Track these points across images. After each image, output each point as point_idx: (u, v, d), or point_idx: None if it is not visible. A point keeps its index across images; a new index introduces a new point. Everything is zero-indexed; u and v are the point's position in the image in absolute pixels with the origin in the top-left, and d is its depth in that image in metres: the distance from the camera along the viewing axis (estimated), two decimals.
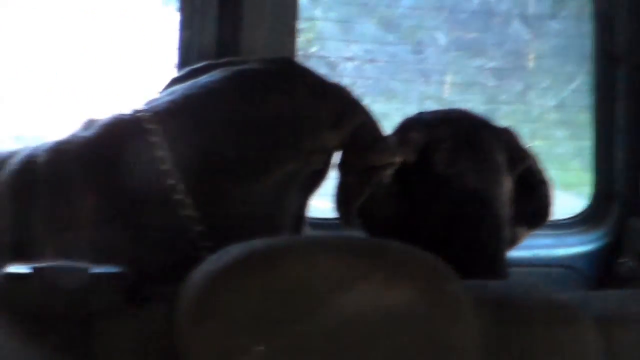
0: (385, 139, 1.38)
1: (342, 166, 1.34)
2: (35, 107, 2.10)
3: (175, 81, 1.41)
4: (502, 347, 0.85)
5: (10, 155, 1.24)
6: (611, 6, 2.02)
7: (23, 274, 0.89)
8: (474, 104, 2.34)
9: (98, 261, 0.96)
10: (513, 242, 1.48)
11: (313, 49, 2.31)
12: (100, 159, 1.18)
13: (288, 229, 1.27)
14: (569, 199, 2.08)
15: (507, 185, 1.43)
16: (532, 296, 0.96)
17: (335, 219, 1.38)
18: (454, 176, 1.40)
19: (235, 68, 1.33)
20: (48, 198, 1.14)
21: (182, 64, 2.04)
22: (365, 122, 1.35)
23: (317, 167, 1.32)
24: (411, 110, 2.51)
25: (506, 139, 1.47)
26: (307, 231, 1.30)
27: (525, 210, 1.47)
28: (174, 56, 2.02)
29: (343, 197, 1.34)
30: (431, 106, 2.47)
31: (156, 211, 1.15)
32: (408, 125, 1.50)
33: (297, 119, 1.27)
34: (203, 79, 1.31)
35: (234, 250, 0.83)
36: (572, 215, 2.05)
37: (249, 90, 1.28)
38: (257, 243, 0.85)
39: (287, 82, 1.30)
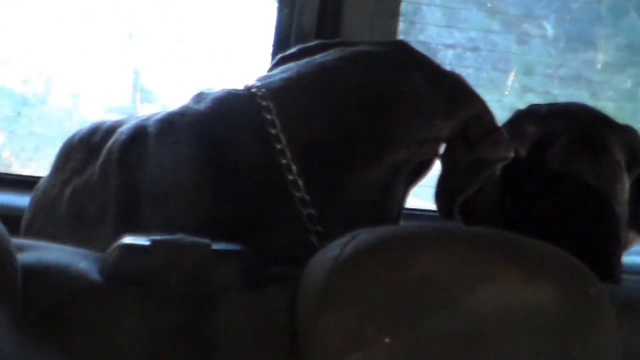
0: (499, 131, 1.32)
1: (449, 158, 1.30)
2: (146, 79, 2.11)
3: (284, 59, 1.39)
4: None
5: (118, 124, 1.23)
6: None
7: (141, 246, 0.87)
8: (577, 99, 2.25)
9: (206, 235, 0.93)
10: (625, 246, 1.41)
11: (414, 34, 2.25)
12: (212, 132, 1.16)
13: (391, 218, 1.23)
14: None
15: (626, 185, 1.36)
16: None
17: (432, 211, 1.34)
18: (570, 172, 1.34)
19: (351, 49, 1.30)
20: (157, 170, 1.12)
21: (278, 43, 2.02)
22: (480, 113, 1.29)
23: (427, 156, 1.28)
24: (510, 102, 2.46)
25: (626, 137, 1.40)
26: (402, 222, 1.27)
27: (639, 214, 1.40)
28: (268, 36, 2.01)
29: (447, 190, 1.29)
30: (532, 99, 2.39)
31: (267, 190, 1.13)
32: (522, 118, 1.44)
33: (413, 105, 1.22)
34: (318, 57, 1.28)
35: (362, 237, 0.79)
36: None
37: (366, 72, 1.24)
38: (387, 230, 0.81)
39: (404, 66, 1.26)
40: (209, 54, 2.08)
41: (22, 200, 1.37)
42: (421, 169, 1.29)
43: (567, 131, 1.37)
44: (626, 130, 1.41)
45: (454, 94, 1.26)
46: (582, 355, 0.73)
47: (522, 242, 0.79)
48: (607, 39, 2.17)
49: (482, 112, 1.28)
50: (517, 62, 2.32)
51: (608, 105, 2.17)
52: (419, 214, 1.91)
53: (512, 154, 1.28)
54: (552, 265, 0.76)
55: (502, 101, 2.37)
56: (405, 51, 1.30)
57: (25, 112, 2.07)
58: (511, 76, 2.32)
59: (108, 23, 2.03)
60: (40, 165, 2.05)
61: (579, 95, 2.24)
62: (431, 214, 1.88)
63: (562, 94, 2.28)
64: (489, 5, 2.34)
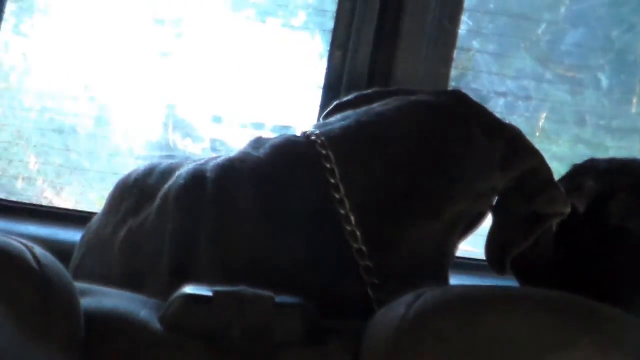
0: (556, 186, 1.30)
1: (503, 210, 1.27)
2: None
3: (340, 106, 1.38)
4: None
5: (175, 167, 1.23)
6: None
7: (204, 297, 0.86)
8: (630, 151, 2.22)
9: (258, 284, 0.92)
10: None
11: (466, 81, 2.24)
12: (271, 179, 1.15)
13: (443, 270, 1.21)
14: None
15: None
16: None
17: (481, 260, 1.32)
18: (630, 229, 1.31)
19: (409, 98, 1.29)
20: (215, 215, 1.11)
21: (329, 85, 2.02)
22: (537, 167, 1.27)
23: (482, 209, 1.26)
24: (561, 152, 2.43)
25: None
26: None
27: None
28: (317, 79, 2.01)
29: (500, 243, 1.26)
30: (582, 150, 2.37)
31: (325, 240, 1.12)
32: (580, 172, 1.42)
33: (472, 158, 1.21)
34: (377, 106, 1.27)
35: (428, 295, 0.77)
36: None
37: (425, 123, 1.23)
38: (453, 290, 0.80)
39: (462, 117, 1.25)
40: (256, 89, 2.09)
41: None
42: (474, 221, 1.27)
43: (627, 188, 1.34)
44: None
45: (512, 146, 1.25)
46: None
47: (598, 308, 0.76)
48: None
49: (539, 166, 1.26)
50: (569, 112, 2.30)
51: None
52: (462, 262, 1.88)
53: (568, 210, 1.25)
54: (630, 336, 0.73)
55: (552, 151, 2.34)
56: (463, 101, 1.29)
57: (73, 145, 2.09)
58: (563, 126, 2.30)
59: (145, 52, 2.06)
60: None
61: (632, 147, 2.21)
62: (476, 262, 1.86)
63: (615, 146, 2.25)
64: (543, 53, 2.32)
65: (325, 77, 2.02)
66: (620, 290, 1.30)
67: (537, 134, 2.29)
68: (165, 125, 2.13)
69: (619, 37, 2.20)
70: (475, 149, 1.21)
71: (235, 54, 2.06)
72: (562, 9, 2.32)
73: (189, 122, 2.14)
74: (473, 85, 2.24)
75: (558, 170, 2.35)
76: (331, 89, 1.96)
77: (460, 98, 1.30)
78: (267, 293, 0.85)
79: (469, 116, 1.25)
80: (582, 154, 2.51)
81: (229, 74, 2.07)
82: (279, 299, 0.85)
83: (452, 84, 2.12)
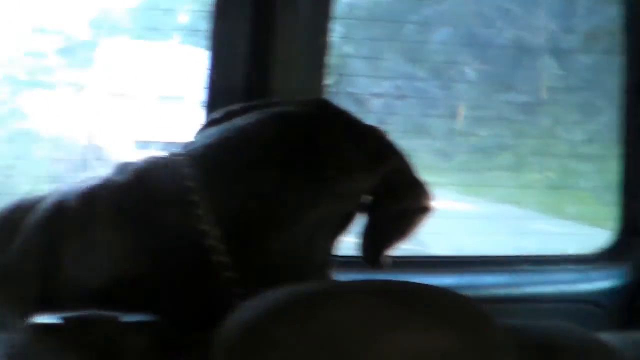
0: (421, 183, 1.38)
1: (375, 209, 1.34)
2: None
3: (212, 123, 1.43)
4: None
5: (40, 200, 1.25)
6: None
7: (52, 325, 0.87)
8: (502, 138, 2.36)
9: (125, 307, 0.94)
10: None
11: (342, 86, 2.33)
12: (133, 204, 1.18)
13: (318, 271, 1.27)
14: (594, 233, 2.08)
15: None
16: (574, 339, 0.95)
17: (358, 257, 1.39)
18: None
19: (271, 110, 1.35)
20: (78, 244, 1.14)
21: (210, 103, 2.06)
22: (400, 165, 1.35)
23: (349, 209, 1.33)
24: (440, 145, 2.54)
25: None
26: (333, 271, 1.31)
27: None
28: (200, 95, 2.05)
29: (372, 241, 1.34)
30: (459, 142, 2.49)
31: (188, 257, 1.16)
32: None
33: (334, 162, 1.27)
34: (239, 121, 1.32)
35: (270, 297, 0.83)
36: (597, 250, 2.02)
37: (286, 133, 1.29)
38: (295, 289, 0.85)
39: (324, 124, 1.32)
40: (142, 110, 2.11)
41: None
42: (345, 221, 1.33)
43: None
44: None
45: (375, 148, 1.32)
46: None
47: (425, 290, 0.84)
48: (525, 80, 2.28)
49: (402, 165, 1.34)
50: (443, 107, 2.42)
51: (530, 142, 2.27)
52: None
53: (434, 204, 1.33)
54: (453, 312, 0.81)
55: (433, 145, 2.45)
56: (326, 108, 1.35)
57: None
58: (439, 121, 2.42)
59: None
60: None
61: (503, 134, 2.34)
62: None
63: (488, 135, 2.38)
64: (413, 53, 2.43)
65: (205, 94, 2.06)
66: None
67: (414, 130, 2.40)
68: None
69: (483, 32, 2.33)
70: (338, 153, 1.28)
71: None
72: (427, 10, 2.45)
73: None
74: (350, 89, 2.33)
75: (437, 164, 2.47)
76: (210, 106, 2.01)
77: (322, 105, 1.37)
78: (112, 314, 0.87)
79: (330, 121, 1.32)
80: (459, 145, 2.65)
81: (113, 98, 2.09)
82: (126, 318, 0.87)
83: (329, 91, 2.20)
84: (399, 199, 1.32)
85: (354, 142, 1.33)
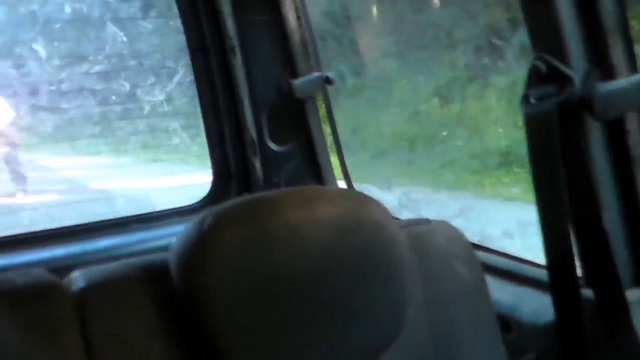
0: None
1: None
2: None
3: None
4: None
5: None
6: (193, 3, 2.20)
7: None
8: (87, 108, 2.40)
9: None
10: None
11: None
12: None
13: None
14: (195, 185, 2.26)
15: None
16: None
17: None
18: None
19: None
20: None
21: None
22: None
23: None
24: (27, 123, 2.51)
25: None
26: None
27: None
28: None
29: None
30: (44, 116, 2.48)
31: None
32: None
33: None
34: None
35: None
36: (198, 200, 2.19)
37: None
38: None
39: None
40: None
41: None
42: None
43: None
44: None
45: None
46: None
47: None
48: (95, 51, 2.34)
49: None
50: (20, 85, 2.37)
51: (115, 108, 2.37)
52: None
53: None
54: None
55: (18, 124, 2.42)
56: None
57: None
58: (18, 99, 2.37)
59: None
60: None
61: (88, 104, 2.39)
62: None
63: (72, 106, 2.41)
64: None
65: None
66: None
67: None
68: None
69: (43, 10, 2.31)
70: None
71: None
72: None
73: None
74: None
75: (28, 140, 2.44)
76: None
77: None
78: None
79: None
80: (45, 120, 2.65)
81: None
82: None
83: None
84: None
85: None
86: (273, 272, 1.02)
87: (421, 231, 1.26)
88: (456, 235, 1.27)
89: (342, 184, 2.09)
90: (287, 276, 1.03)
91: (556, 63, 1.16)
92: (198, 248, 1.03)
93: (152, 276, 1.10)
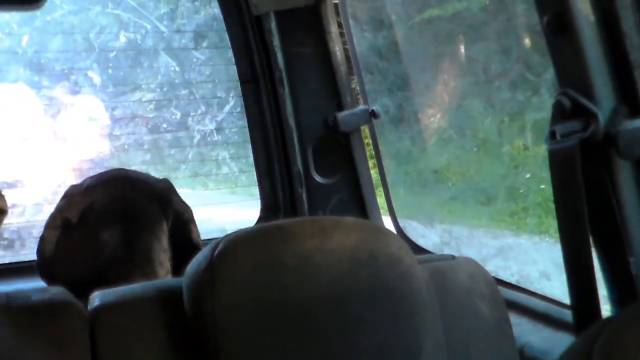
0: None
1: None
2: None
3: None
4: None
5: None
6: (243, 35, 2.22)
7: None
8: (139, 135, 2.44)
9: None
10: None
11: None
12: None
13: None
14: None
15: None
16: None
17: None
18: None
19: None
20: None
21: None
22: None
23: None
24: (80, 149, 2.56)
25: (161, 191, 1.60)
26: None
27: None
28: None
29: None
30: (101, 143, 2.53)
31: None
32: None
33: None
34: None
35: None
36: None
37: None
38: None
39: None
40: None
41: None
42: None
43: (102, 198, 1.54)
44: (163, 182, 1.61)
45: None
46: None
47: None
48: (148, 79, 2.38)
49: None
50: (74, 112, 2.42)
51: (165, 136, 2.39)
52: None
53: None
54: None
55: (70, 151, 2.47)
56: None
57: None
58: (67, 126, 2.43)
59: None
60: None
61: (139, 131, 2.42)
62: None
63: (124, 133, 2.45)
64: (34, 62, 2.39)
65: None
66: None
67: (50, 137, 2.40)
68: None
69: (98, 38, 2.36)
70: None
71: None
72: (37, 21, 2.40)
73: None
74: None
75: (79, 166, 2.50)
76: None
77: None
78: None
79: None
80: (101, 146, 2.70)
81: None
82: None
83: None
84: None
85: None
86: (283, 300, 1.01)
87: (443, 267, 1.25)
88: (480, 272, 1.25)
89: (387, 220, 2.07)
90: (298, 304, 1.02)
91: (580, 98, 1.13)
92: (208, 273, 1.02)
93: (166, 299, 1.10)
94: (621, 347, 0.75)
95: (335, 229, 1.07)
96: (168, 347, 1.07)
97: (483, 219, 3.11)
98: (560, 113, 1.15)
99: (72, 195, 1.56)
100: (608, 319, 0.92)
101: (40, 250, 1.51)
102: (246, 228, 1.11)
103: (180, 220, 1.57)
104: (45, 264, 1.52)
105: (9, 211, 1.53)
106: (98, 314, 1.08)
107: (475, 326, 1.20)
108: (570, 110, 1.13)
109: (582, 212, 1.14)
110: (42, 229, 1.53)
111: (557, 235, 1.17)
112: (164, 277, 1.48)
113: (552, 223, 1.24)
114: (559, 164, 1.17)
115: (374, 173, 2.16)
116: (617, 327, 0.79)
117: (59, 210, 1.54)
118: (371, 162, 2.16)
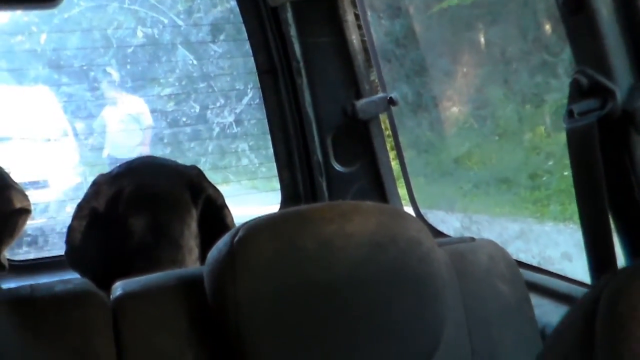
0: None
1: None
2: None
3: None
4: None
5: None
6: (261, 26, 2.21)
7: None
8: (159, 129, 2.45)
9: None
10: None
11: None
12: None
13: None
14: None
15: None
16: None
17: None
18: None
19: None
20: None
21: None
22: None
23: None
24: (95, 142, 2.59)
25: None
26: None
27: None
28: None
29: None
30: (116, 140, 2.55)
31: None
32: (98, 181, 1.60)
33: None
34: None
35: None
36: None
37: None
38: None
39: None
40: None
41: None
42: None
43: (130, 185, 1.54)
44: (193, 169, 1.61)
45: None
46: None
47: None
48: (167, 73, 2.39)
49: None
50: (94, 107, 2.44)
51: (185, 130, 2.41)
52: None
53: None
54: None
55: (85, 143, 2.49)
56: None
57: None
58: (91, 121, 2.45)
59: None
60: None
61: (158, 125, 2.44)
62: None
63: (144, 127, 2.47)
64: (53, 61, 2.42)
65: None
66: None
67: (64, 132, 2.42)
68: None
69: (116, 34, 2.37)
70: None
71: None
72: (55, 19, 2.42)
73: None
74: None
75: (94, 160, 2.52)
76: None
77: None
78: None
79: None
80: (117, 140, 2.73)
81: None
82: None
83: None
84: None
85: None
86: (304, 284, 1.02)
87: (463, 249, 1.24)
88: (500, 254, 1.24)
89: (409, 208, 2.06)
90: (318, 289, 1.02)
91: (598, 76, 1.12)
92: (228, 260, 1.03)
93: (187, 287, 1.11)
94: (629, 294, 0.76)
95: (355, 213, 1.07)
96: (191, 335, 1.07)
97: (506, 206, 3.09)
98: (577, 91, 1.13)
99: (99, 184, 1.57)
100: (618, 270, 0.93)
101: (68, 240, 1.52)
102: (265, 214, 1.11)
103: (214, 206, 1.57)
104: (74, 254, 1.52)
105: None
106: (121, 303, 1.09)
107: (496, 307, 1.20)
108: (587, 88, 1.12)
109: (601, 190, 1.13)
110: (70, 219, 1.53)
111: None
112: (194, 263, 1.48)
113: (576, 210, 1.23)
114: (577, 142, 1.16)
115: (395, 164, 2.15)
116: (625, 276, 0.79)
117: (87, 199, 1.54)
118: (392, 154, 2.15)
